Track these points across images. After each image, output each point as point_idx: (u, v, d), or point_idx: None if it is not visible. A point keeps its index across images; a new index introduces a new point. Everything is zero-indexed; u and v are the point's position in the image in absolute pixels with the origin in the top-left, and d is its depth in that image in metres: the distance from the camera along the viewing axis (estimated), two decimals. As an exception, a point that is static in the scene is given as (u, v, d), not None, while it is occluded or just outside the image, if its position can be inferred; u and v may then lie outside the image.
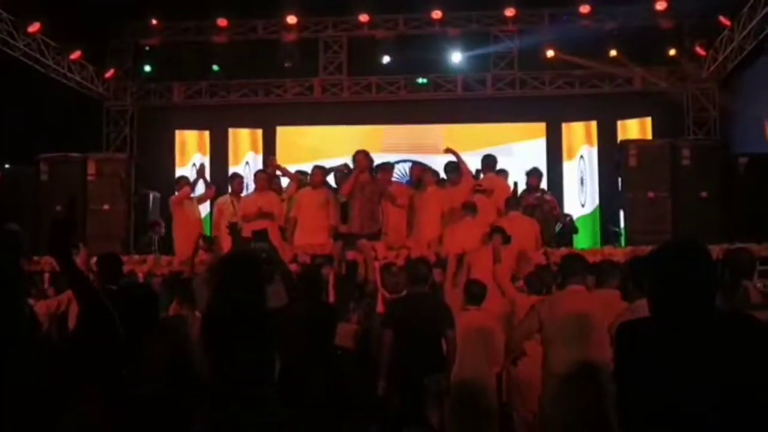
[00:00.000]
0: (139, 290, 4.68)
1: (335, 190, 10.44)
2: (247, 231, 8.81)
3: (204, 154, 15.61)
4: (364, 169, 9.81)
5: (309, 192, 10.30)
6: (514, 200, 9.81)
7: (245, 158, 15.63)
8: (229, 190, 10.79)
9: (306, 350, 5.35)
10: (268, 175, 10.59)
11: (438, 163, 11.20)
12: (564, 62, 14.60)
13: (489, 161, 10.64)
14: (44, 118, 13.36)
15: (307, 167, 11.14)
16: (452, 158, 10.14)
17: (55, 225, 2.61)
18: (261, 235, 6.15)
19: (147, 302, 4.36)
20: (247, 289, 4.34)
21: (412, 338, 6.27)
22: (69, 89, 14.52)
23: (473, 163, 10.68)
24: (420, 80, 15.25)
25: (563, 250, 9.56)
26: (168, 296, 7.05)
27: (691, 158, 10.61)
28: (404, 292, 6.90)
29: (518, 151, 14.90)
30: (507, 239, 7.68)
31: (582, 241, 13.74)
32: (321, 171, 10.43)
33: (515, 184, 11.07)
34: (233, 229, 7.48)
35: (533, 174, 11.12)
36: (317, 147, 14.99)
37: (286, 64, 15.36)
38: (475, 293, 6.94)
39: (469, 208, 9.25)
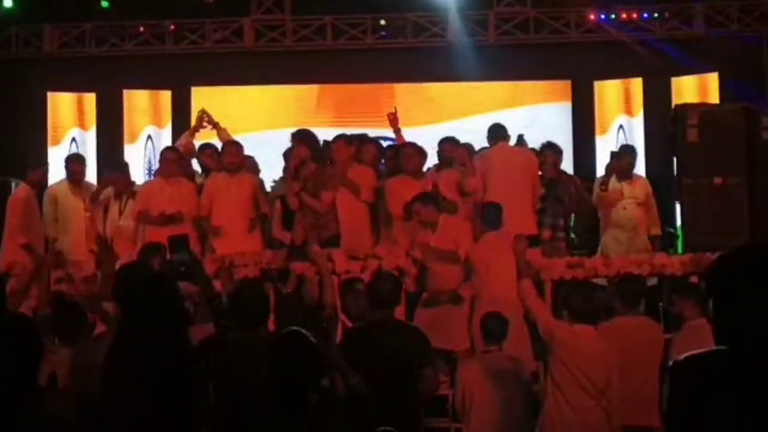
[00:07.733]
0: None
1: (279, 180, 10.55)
2: (155, 235, 8.86)
3: (83, 128, 15.51)
4: (306, 160, 9.85)
5: (224, 178, 10.30)
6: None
7: (145, 132, 15.60)
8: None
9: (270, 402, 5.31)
10: (178, 155, 10.58)
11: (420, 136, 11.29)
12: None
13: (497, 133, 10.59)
14: None
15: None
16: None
17: None
18: (179, 242, 6.10)
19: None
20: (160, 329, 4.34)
21: (372, 385, 6.24)
22: None
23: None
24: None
25: (598, 260, 9.64)
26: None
27: (774, 129, 10.71)
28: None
29: (532, 119, 14.89)
30: (534, 241, 7.74)
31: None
32: (236, 147, 10.49)
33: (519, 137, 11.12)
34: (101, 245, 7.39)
35: (548, 150, 10.94)
36: (250, 115, 15.01)
37: (205, -1, 15.36)
38: (492, 327, 7.10)
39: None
